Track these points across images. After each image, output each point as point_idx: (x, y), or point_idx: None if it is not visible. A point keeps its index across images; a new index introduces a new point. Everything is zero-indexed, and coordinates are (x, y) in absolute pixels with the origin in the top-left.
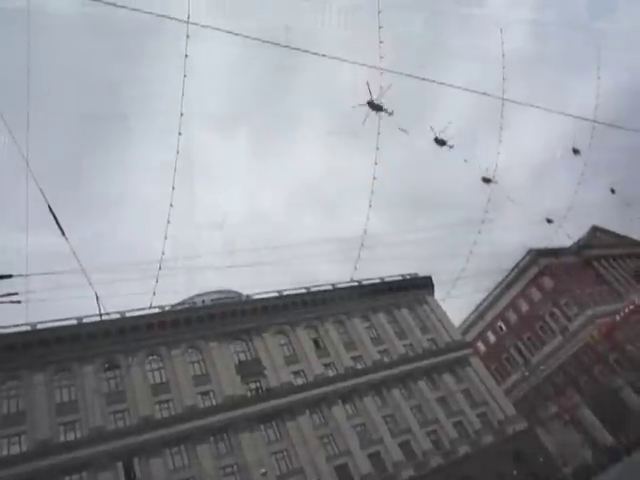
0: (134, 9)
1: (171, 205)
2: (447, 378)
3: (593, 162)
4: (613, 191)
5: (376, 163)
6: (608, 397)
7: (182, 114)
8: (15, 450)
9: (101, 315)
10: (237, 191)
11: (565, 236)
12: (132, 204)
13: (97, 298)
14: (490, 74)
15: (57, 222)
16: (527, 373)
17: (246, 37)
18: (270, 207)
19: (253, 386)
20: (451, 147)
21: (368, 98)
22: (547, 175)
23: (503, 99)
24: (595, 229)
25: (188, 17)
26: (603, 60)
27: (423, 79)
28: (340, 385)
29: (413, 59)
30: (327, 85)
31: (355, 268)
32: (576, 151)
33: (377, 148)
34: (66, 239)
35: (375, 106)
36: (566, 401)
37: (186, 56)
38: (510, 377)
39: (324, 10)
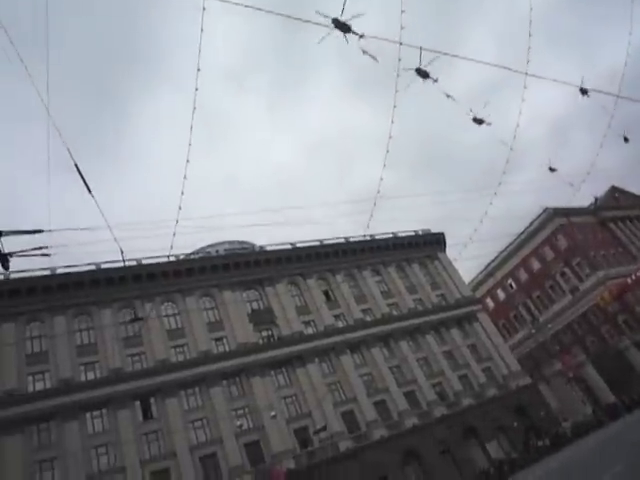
0: None
1: (187, 161)
2: (454, 333)
3: (616, 123)
4: (627, 139)
5: (392, 121)
6: (613, 357)
7: (199, 69)
8: (40, 386)
9: (124, 261)
10: (253, 144)
11: (582, 196)
12: (148, 155)
13: (122, 252)
14: (514, 27)
15: (84, 180)
16: (534, 330)
17: (258, 9)
18: (286, 159)
19: (265, 334)
20: (435, 80)
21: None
22: (568, 135)
23: (526, 74)
24: (614, 189)
25: None
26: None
27: (436, 52)
28: (349, 336)
29: (434, 13)
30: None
31: (367, 227)
32: (584, 91)
33: (394, 106)
34: (92, 196)
35: (341, 25)
36: (571, 359)
37: (204, 9)
38: (517, 334)
39: None
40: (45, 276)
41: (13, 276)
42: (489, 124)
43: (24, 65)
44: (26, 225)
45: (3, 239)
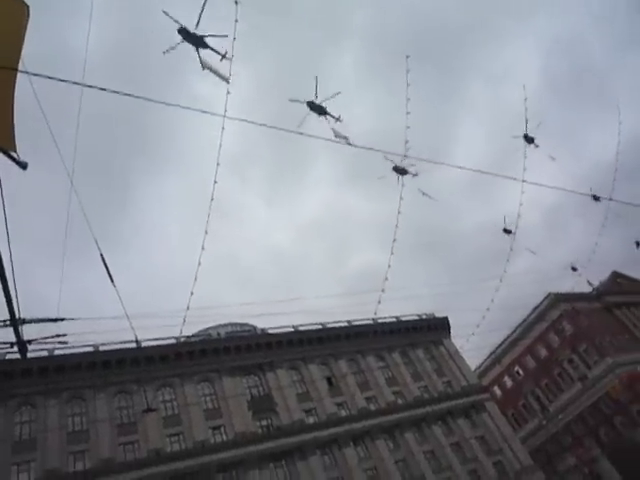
0: (176, 105)
1: (203, 248)
2: (462, 423)
3: (613, 211)
4: (638, 244)
5: (399, 212)
6: (629, 450)
7: (218, 164)
8: (24, 479)
9: (137, 342)
10: (252, 226)
11: (585, 282)
12: (152, 235)
13: (137, 341)
14: (507, 122)
15: (108, 272)
16: (545, 421)
17: (261, 125)
18: (283, 243)
19: (264, 423)
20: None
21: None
22: (564, 223)
23: (523, 181)
24: (616, 275)
25: (225, 112)
26: (623, 104)
27: (428, 161)
28: (353, 426)
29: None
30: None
31: (375, 313)
32: (596, 198)
33: (401, 198)
34: (114, 286)
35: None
36: (585, 452)
37: (223, 128)
38: (527, 424)
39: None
40: (42, 358)
41: (9, 357)
42: (415, 174)
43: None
44: (36, 308)
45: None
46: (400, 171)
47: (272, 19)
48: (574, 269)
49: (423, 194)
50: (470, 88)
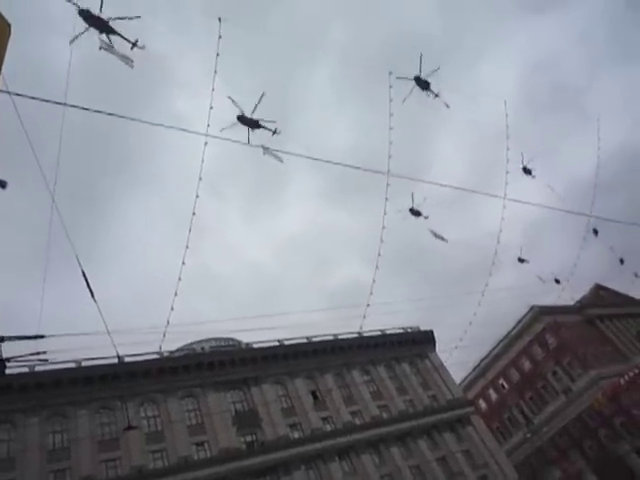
0: (160, 124)
1: (183, 263)
2: (448, 437)
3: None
4: (622, 261)
5: (384, 227)
6: (614, 463)
7: (201, 178)
8: None
9: (120, 358)
10: (232, 242)
11: (567, 295)
12: (132, 250)
13: (118, 356)
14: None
15: (89, 287)
16: (529, 435)
17: (244, 144)
18: (265, 258)
19: (249, 438)
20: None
21: None
22: (546, 237)
23: (505, 198)
24: (598, 287)
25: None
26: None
27: (410, 179)
28: (338, 440)
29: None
30: (317, 148)
31: (360, 327)
32: (527, 171)
33: (385, 213)
34: (95, 302)
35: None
36: (570, 466)
37: (206, 143)
38: (512, 437)
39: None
40: (22, 374)
41: None
42: (275, 132)
43: (42, 173)
44: (16, 324)
45: None
46: (252, 124)
47: (248, 34)
48: (521, 260)
49: (266, 153)
50: (450, 103)
